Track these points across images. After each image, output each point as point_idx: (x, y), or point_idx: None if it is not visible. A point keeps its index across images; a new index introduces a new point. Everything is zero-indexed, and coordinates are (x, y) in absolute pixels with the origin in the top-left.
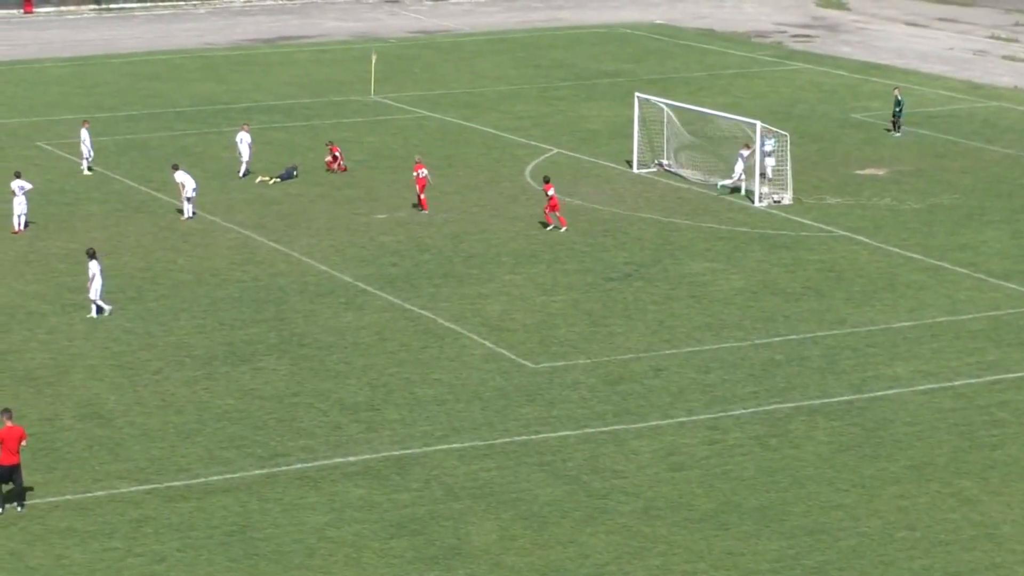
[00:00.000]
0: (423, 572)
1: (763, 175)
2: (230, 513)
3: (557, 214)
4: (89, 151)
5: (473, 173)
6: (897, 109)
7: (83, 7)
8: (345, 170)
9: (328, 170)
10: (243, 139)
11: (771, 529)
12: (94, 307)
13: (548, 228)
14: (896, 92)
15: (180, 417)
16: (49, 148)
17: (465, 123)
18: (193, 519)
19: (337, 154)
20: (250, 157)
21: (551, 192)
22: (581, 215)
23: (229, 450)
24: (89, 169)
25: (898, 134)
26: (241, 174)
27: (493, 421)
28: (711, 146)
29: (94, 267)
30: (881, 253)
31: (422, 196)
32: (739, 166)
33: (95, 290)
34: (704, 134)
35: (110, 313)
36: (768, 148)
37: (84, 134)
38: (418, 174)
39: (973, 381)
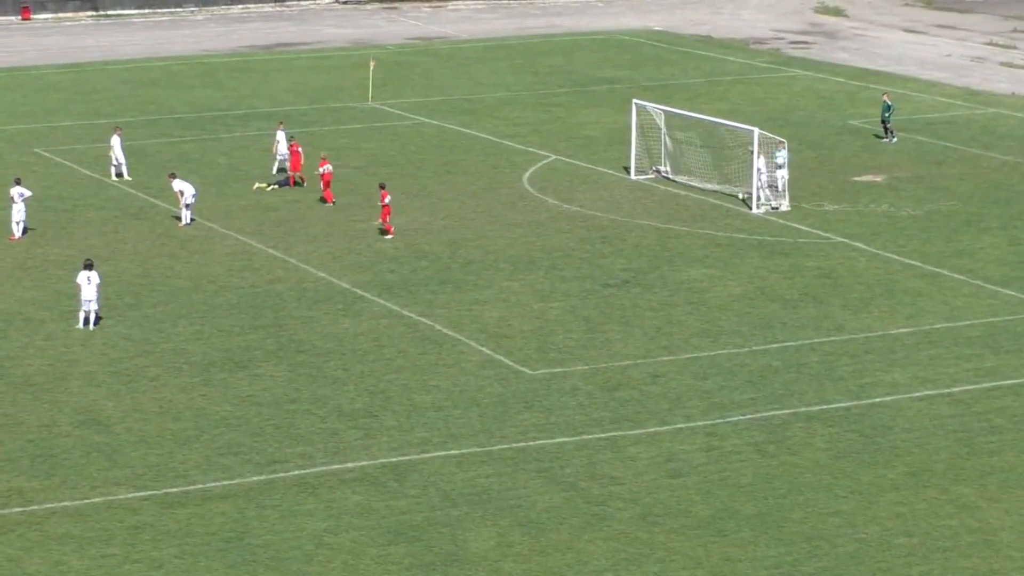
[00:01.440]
0: None
1: (773, 186)
2: (228, 520)
3: (385, 223)
4: (117, 158)
5: (471, 179)
6: (887, 114)
7: (81, 14)
8: (304, 180)
9: (292, 184)
10: (280, 138)
11: (769, 536)
12: (82, 315)
13: (388, 237)
14: (885, 97)
15: (178, 424)
16: (47, 155)
17: (463, 129)
18: (191, 526)
19: (299, 150)
20: (285, 154)
21: (387, 200)
22: (579, 221)
23: (227, 456)
24: (118, 175)
25: (895, 139)
26: (275, 170)
27: (491, 428)
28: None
29: (81, 277)
30: (879, 259)
31: (327, 190)
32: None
33: (85, 300)
34: (708, 142)
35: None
36: (780, 160)
37: (115, 141)
38: (323, 170)
39: (971, 387)
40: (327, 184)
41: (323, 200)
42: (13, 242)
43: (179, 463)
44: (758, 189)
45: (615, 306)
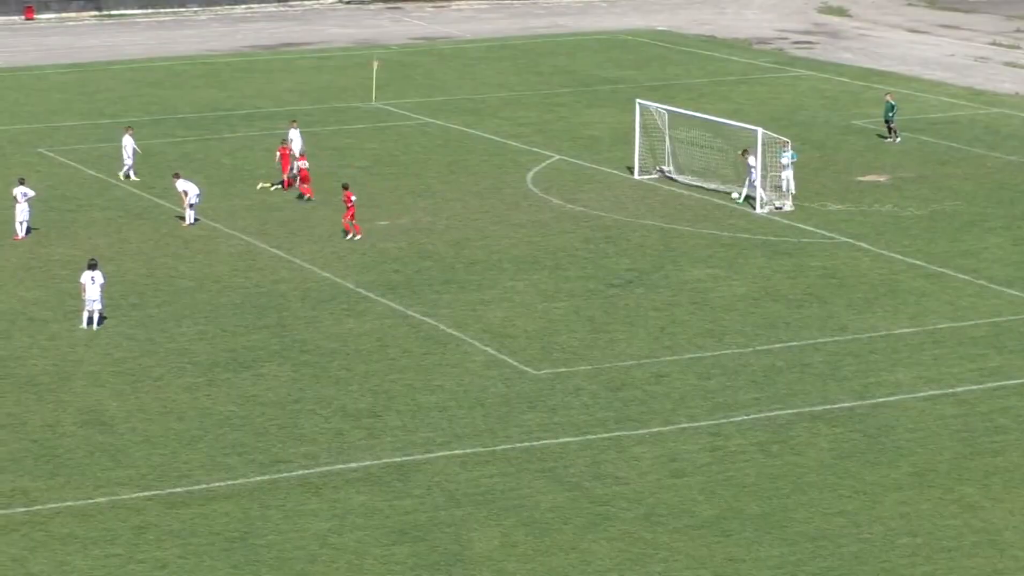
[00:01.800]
0: None
1: (777, 187)
2: (232, 519)
3: (353, 222)
4: (130, 157)
5: (475, 180)
6: (890, 114)
7: (84, 14)
8: (291, 183)
9: (287, 186)
10: (294, 137)
11: (773, 536)
12: (86, 315)
13: (347, 237)
14: (888, 97)
15: (182, 423)
16: (51, 155)
17: (467, 130)
18: (195, 525)
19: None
20: (300, 152)
21: (353, 199)
22: (583, 221)
23: (231, 456)
24: (127, 176)
25: (898, 139)
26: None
27: (495, 428)
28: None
29: (85, 277)
30: (883, 259)
31: (303, 185)
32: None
33: (90, 300)
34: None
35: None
36: (786, 161)
37: (127, 140)
38: (299, 165)
39: (975, 387)
40: (303, 180)
41: (300, 196)
42: (17, 242)
43: (183, 463)
44: (760, 189)
45: (619, 306)
